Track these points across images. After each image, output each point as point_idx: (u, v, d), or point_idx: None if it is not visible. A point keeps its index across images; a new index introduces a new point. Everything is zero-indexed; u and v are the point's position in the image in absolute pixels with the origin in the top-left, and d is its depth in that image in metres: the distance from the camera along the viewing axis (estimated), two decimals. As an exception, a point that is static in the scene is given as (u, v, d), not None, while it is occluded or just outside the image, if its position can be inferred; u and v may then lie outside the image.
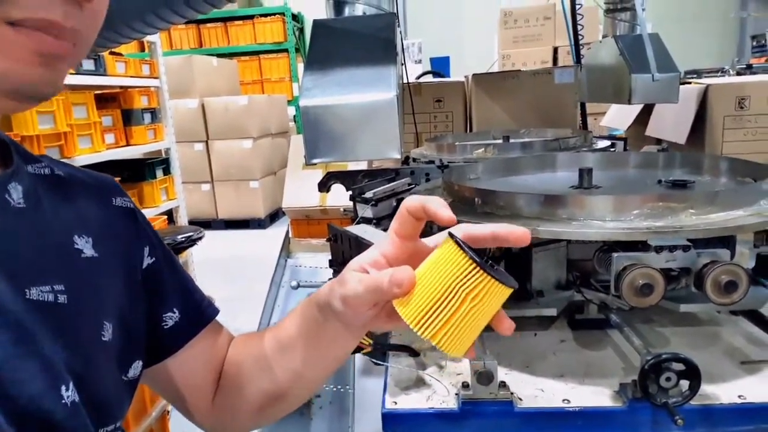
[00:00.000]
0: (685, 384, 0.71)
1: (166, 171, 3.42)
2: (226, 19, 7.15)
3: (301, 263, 1.58)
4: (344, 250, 1.08)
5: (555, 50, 4.37)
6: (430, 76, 3.49)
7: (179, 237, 2.57)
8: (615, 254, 0.76)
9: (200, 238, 2.64)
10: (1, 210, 0.48)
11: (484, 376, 0.74)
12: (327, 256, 1.18)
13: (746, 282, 0.73)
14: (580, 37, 2.25)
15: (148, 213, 3.09)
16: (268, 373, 0.65)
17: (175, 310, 0.65)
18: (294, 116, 6.89)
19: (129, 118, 3.08)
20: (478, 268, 0.47)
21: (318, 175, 1.60)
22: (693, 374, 0.70)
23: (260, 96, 6.12)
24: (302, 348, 0.62)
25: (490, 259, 0.51)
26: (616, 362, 0.86)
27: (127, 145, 3.07)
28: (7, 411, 0.41)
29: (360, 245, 0.99)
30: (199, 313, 0.69)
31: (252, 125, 5.57)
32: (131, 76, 3.09)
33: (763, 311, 0.87)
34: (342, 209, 1.61)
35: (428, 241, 0.55)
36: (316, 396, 1.28)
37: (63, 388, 0.46)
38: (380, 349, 0.90)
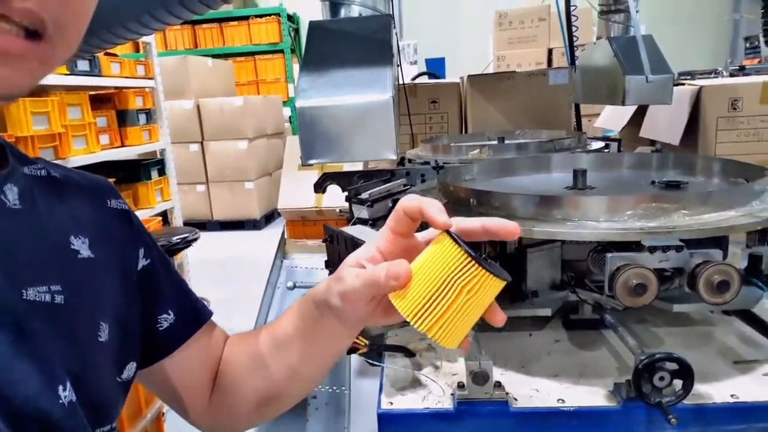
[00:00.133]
0: (678, 383, 0.71)
1: (161, 172, 3.41)
2: (221, 20, 7.12)
3: (296, 264, 1.58)
4: (340, 250, 1.08)
5: (549, 52, 4.39)
6: (426, 77, 3.50)
7: (174, 238, 2.57)
8: (609, 254, 0.77)
9: (195, 240, 2.64)
10: (-2, 211, 0.48)
11: (480, 377, 0.74)
12: (323, 257, 1.18)
13: (738, 282, 0.73)
14: (574, 39, 2.26)
15: (143, 214, 3.09)
16: (264, 371, 0.65)
17: (170, 311, 0.66)
18: (290, 117, 6.88)
19: (124, 118, 3.07)
20: (473, 261, 0.47)
21: (314, 175, 1.60)
22: (686, 374, 0.71)
23: (256, 97, 6.11)
24: (298, 344, 0.62)
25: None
26: (610, 362, 0.86)
27: (122, 146, 3.06)
28: (3, 411, 0.42)
29: (356, 246, 0.98)
30: (194, 315, 0.69)
31: (247, 126, 5.56)
32: (126, 77, 3.08)
33: (756, 311, 0.88)
34: (338, 210, 1.61)
35: (421, 236, 0.56)
36: (312, 397, 1.28)
37: (60, 388, 0.46)
38: (376, 349, 0.90)
